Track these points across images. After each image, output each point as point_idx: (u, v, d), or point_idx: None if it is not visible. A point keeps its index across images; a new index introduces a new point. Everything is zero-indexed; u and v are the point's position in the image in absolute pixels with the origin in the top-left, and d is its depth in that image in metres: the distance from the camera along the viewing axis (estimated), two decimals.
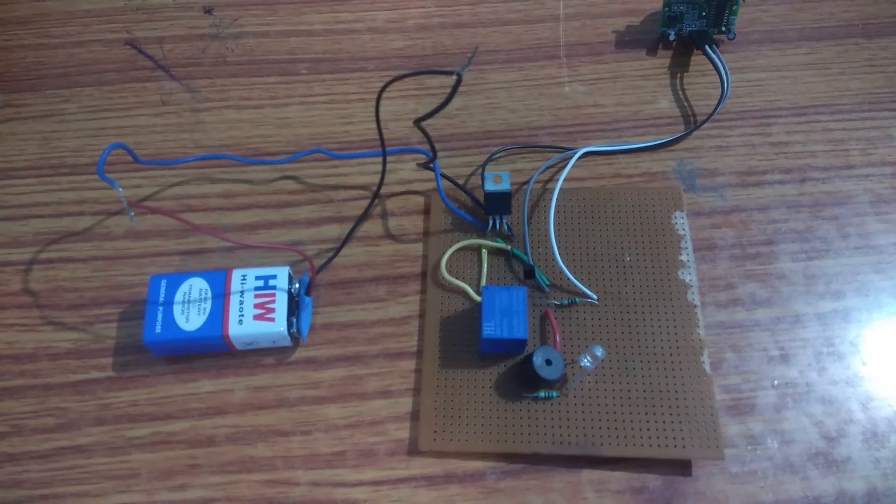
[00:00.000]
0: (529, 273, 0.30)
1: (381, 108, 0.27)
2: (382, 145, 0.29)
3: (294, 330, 0.29)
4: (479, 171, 0.33)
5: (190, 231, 0.31)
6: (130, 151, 0.28)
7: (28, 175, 0.33)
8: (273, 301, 0.28)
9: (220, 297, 0.28)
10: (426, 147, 0.30)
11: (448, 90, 0.24)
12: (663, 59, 0.36)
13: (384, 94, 0.26)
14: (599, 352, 0.28)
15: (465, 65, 0.22)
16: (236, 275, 0.29)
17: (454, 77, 0.23)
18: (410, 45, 0.37)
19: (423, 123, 0.26)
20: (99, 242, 0.32)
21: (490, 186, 0.30)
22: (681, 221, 0.31)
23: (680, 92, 0.35)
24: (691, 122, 0.35)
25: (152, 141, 0.34)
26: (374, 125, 0.28)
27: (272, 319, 0.28)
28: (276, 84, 0.36)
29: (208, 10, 0.38)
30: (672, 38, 0.36)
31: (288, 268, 0.29)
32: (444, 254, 0.30)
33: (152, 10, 0.38)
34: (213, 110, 0.35)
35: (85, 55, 0.37)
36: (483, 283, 0.30)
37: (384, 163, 0.30)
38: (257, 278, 0.29)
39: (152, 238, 0.32)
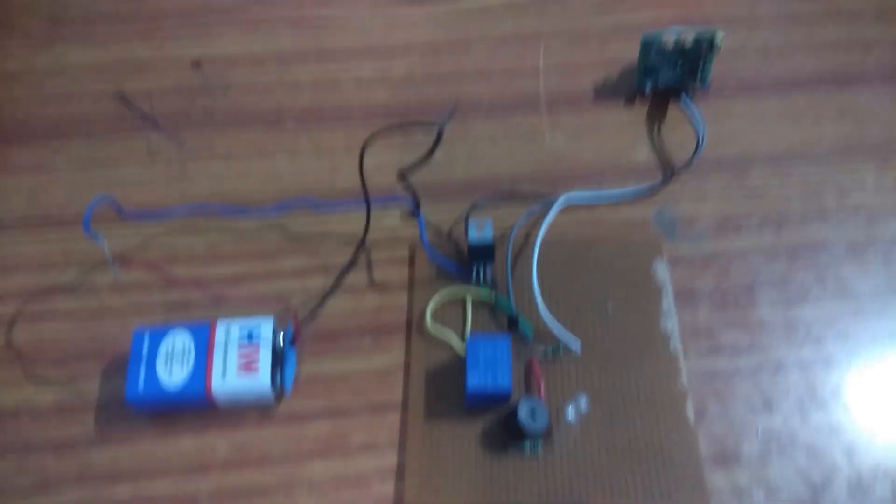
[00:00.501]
0: (513, 322, 0.30)
1: (366, 159, 0.27)
2: (366, 196, 0.29)
3: (278, 383, 0.29)
4: (463, 220, 0.33)
5: (174, 283, 0.31)
6: (115, 205, 0.29)
7: (14, 228, 0.34)
8: (257, 354, 0.28)
9: (204, 350, 0.28)
10: (411, 197, 0.30)
11: (432, 141, 0.24)
12: (641, 110, 0.37)
13: (369, 145, 0.26)
14: (584, 402, 0.28)
15: (447, 118, 0.23)
16: (220, 326, 0.29)
17: (436, 129, 0.23)
18: (395, 97, 0.38)
19: (408, 173, 0.27)
20: (83, 296, 0.32)
21: (473, 236, 0.31)
22: (661, 271, 0.32)
23: (658, 141, 0.36)
24: (669, 171, 0.35)
25: (139, 193, 0.34)
26: (359, 175, 0.28)
27: (256, 373, 0.28)
28: (264, 135, 0.36)
29: (197, 65, 0.38)
30: (648, 89, 0.37)
31: (272, 319, 0.29)
32: (428, 303, 0.31)
33: (142, 64, 0.39)
34: (200, 162, 0.35)
35: (74, 108, 0.37)
36: (468, 332, 0.30)
37: (368, 213, 0.30)
38: (241, 329, 0.29)
39: (137, 291, 0.32)
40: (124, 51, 0.39)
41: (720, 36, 0.35)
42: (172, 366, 0.28)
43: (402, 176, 0.26)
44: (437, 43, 0.40)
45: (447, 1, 0.41)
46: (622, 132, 0.37)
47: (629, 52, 0.39)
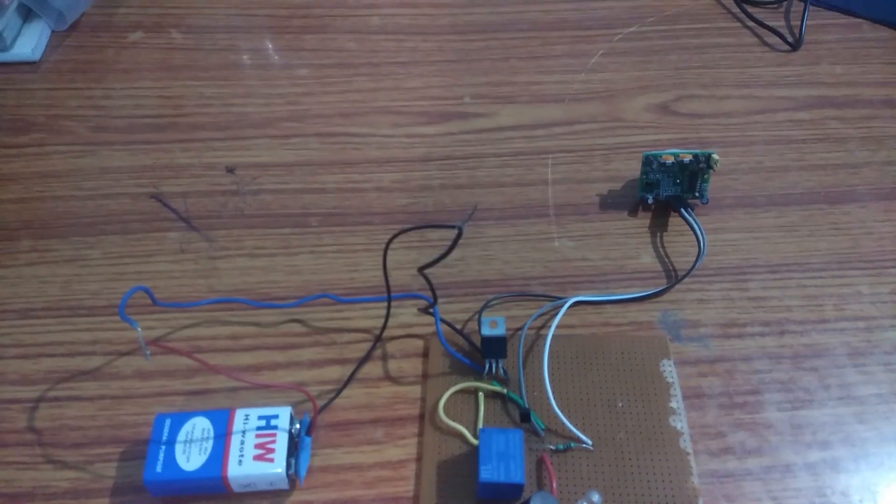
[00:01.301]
0: (525, 417, 0.30)
1: (386, 258, 0.29)
2: (388, 290, 0.31)
3: (292, 471, 0.29)
4: (476, 316, 0.35)
5: (196, 371, 0.32)
6: (150, 294, 0.30)
7: (46, 315, 0.35)
8: (273, 441, 0.29)
9: (222, 436, 0.29)
10: (427, 293, 0.32)
11: (448, 243, 0.26)
12: (644, 220, 0.40)
13: (390, 245, 0.28)
14: (596, 498, 0.28)
15: (466, 219, 0.25)
16: (239, 414, 0.30)
17: (455, 230, 0.25)
18: (413, 202, 0.40)
19: (426, 271, 0.28)
20: (107, 382, 0.33)
21: (486, 331, 0.32)
22: (669, 369, 0.33)
23: (661, 249, 0.38)
24: (673, 277, 0.37)
25: (169, 286, 0.36)
26: (378, 273, 0.30)
27: (271, 460, 0.28)
28: (289, 235, 0.39)
29: (230, 170, 0.41)
30: (650, 201, 0.39)
31: (290, 408, 0.30)
32: (441, 396, 0.31)
33: (178, 168, 0.42)
34: (228, 258, 0.37)
35: (112, 206, 0.40)
36: (480, 425, 0.31)
37: (388, 307, 0.32)
38: (259, 418, 0.30)
39: (159, 378, 0.33)
40: (163, 157, 0.42)
41: (716, 155, 0.38)
42: (191, 451, 0.28)
43: (422, 272, 0.28)
44: (453, 156, 0.43)
45: (463, 121, 0.45)
46: (627, 239, 0.39)
47: (631, 169, 0.42)
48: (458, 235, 0.25)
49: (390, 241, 0.28)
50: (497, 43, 0.50)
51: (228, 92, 0.46)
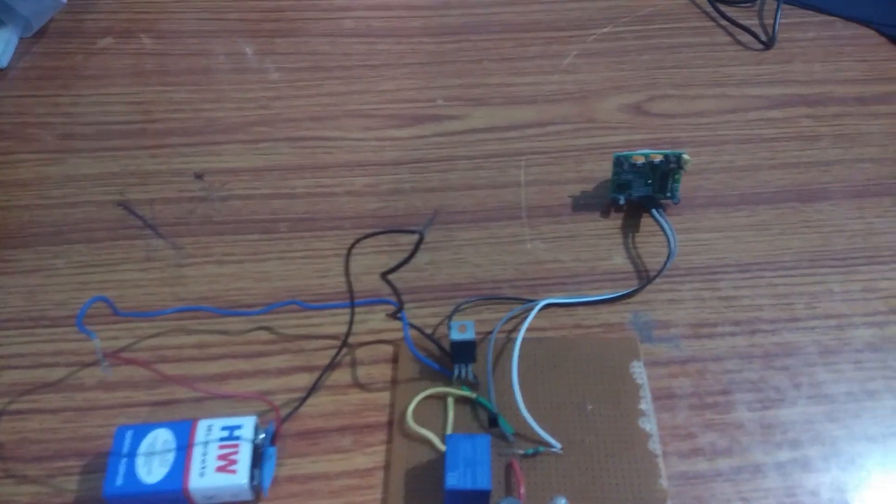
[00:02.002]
0: (494, 421, 0.30)
1: (355, 263, 0.29)
2: (352, 297, 0.30)
3: (256, 482, 0.28)
4: (446, 321, 0.34)
5: (161, 382, 0.32)
6: (110, 304, 0.30)
7: (9, 327, 0.35)
8: (236, 452, 0.28)
9: (184, 448, 0.28)
10: (395, 298, 0.31)
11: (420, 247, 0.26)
12: (615, 221, 0.40)
13: (358, 250, 0.28)
14: (564, 503, 0.28)
15: (427, 224, 0.25)
16: (202, 425, 0.29)
17: (417, 235, 0.25)
18: (384, 206, 0.40)
19: (392, 276, 0.28)
20: (70, 393, 0.32)
21: (456, 336, 0.32)
22: (639, 371, 0.33)
23: (632, 250, 0.38)
24: (644, 277, 0.37)
25: (134, 294, 0.36)
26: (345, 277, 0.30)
27: (234, 472, 0.28)
28: (258, 241, 0.38)
29: (199, 176, 0.41)
30: (622, 202, 0.39)
31: (255, 417, 0.30)
32: (410, 402, 0.31)
33: (146, 175, 0.41)
34: (195, 265, 0.37)
35: (78, 215, 0.39)
36: (448, 431, 0.30)
37: (352, 314, 0.31)
38: (223, 429, 0.29)
39: (123, 389, 0.32)
40: (131, 164, 0.42)
41: (686, 156, 0.38)
42: (152, 463, 0.28)
43: (385, 277, 0.28)
44: (425, 159, 0.42)
45: (435, 124, 0.44)
46: (598, 241, 0.39)
47: (603, 169, 0.42)
48: (420, 240, 0.25)
49: (351, 247, 0.28)
50: (470, 45, 0.50)
51: (199, 97, 0.46)
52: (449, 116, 0.45)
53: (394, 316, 0.34)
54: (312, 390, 0.32)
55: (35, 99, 0.45)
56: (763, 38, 0.51)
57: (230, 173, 0.41)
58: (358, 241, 0.27)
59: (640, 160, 0.38)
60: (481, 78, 0.47)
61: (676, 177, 0.39)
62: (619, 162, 0.39)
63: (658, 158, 0.38)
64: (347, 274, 0.29)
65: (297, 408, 0.31)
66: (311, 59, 0.48)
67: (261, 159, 0.42)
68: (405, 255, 0.28)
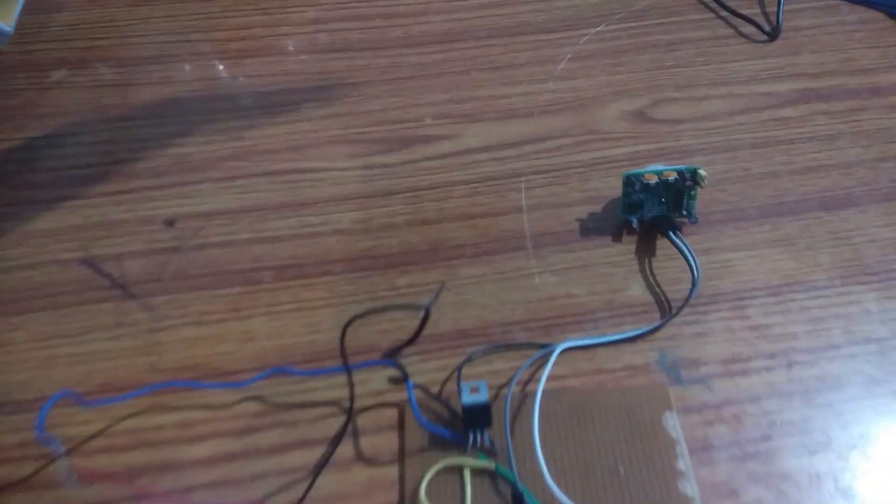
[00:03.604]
0: (519, 499, 0.27)
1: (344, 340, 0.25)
2: (349, 373, 0.27)
3: None
4: (455, 375, 0.31)
5: (143, 471, 0.29)
6: (76, 398, 0.26)
7: None
8: None
9: None
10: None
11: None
12: (629, 245, 0.36)
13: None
14: None
15: (433, 299, 0.21)
16: None
17: (422, 312, 0.22)
18: (377, 244, 0.36)
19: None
20: (40, 493, 0.28)
21: (467, 399, 0.28)
22: (672, 423, 0.30)
23: (651, 277, 0.35)
24: (666, 309, 0.34)
25: (105, 368, 0.32)
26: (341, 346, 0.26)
27: None
28: (240, 295, 0.35)
29: (170, 223, 0.37)
30: (635, 224, 0.36)
31: None
32: (422, 480, 0.28)
33: (111, 225, 0.37)
34: (171, 329, 0.33)
35: (38, 278, 0.35)
36: None
37: (352, 393, 0.28)
38: None
39: (103, 481, 0.29)
40: (94, 214, 0.38)
41: (702, 172, 0.35)
42: None
43: (392, 355, 0.24)
44: (417, 187, 0.39)
45: (425, 146, 0.41)
46: (613, 269, 0.35)
47: (611, 187, 0.38)
48: (426, 317, 0.22)
49: (346, 326, 0.24)
50: (456, 54, 0.46)
51: (165, 131, 0.42)
52: (439, 136, 0.42)
53: (397, 380, 0.31)
54: (317, 475, 0.28)
55: None
56: (767, 28, 0.48)
57: (203, 217, 0.38)
58: (351, 321, 0.24)
59: (653, 179, 0.35)
60: (471, 90, 0.44)
61: (692, 193, 0.36)
62: (629, 181, 0.35)
63: (672, 176, 0.35)
64: (343, 348, 0.26)
65: (304, 495, 0.28)
66: (286, 79, 0.45)
67: (237, 199, 0.38)
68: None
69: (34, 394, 0.31)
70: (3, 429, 0.30)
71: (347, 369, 0.29)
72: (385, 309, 0.26)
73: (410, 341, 0.23)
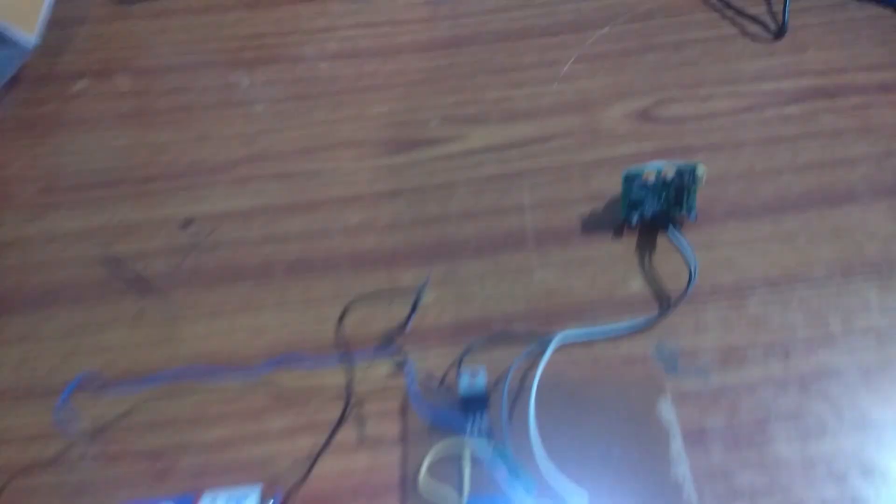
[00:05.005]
0: (514, 478, 0.28)
1: (352, 312, 0.27)
2: (349, 358, 0.28)
3: None
4: (456, 364, 0.32)
5: (162, 451, 0.30)
6: (98, 380, 0.28)
7: (1, 399, 0.33)
8: None
9: None
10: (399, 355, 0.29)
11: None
12: (630, 242, 0.37)
13: (352, 304, 0.26)
14: None
15: (422, 287, 0.23)
16: (206, 498, 0.28)
17: (413, 296, 0.23)
18: (383, 242, 0.38)
19: (393, 335, 0.26)
20: (67, 470, 0.30)
21: (466, 385, 0.29)
22: (667, 410, 0.30)
23: (650, 272, 0.36)
24: (665, 302, 0.34)
25: (125, 358, 0.34)
26: (347, 325, 0.27)
27: None
28: (251, 290, 0.36)
29: (187, 224, 0.39)
30: (635, 222, 0.37)
31: (259, 488, 0.28)
32: (422, 463, 0.29)
33: (131, 227, 0.39)
34: (187, 322, 0.35)
35: (63, 276, 0.37)
36: (466, 489, 0.28)
37: (351, 376, 0.29)
38: (228, 500, 0.28)
39: (124, 460, 0.30)
40: (115, 215, 0.40)
41: (701, 169, 0.35)
42: None
43: (388, 340, 0.26)
44: (423, 187, 0.40)
45: (431, 147, 0.42)
46: (613, 265, 0.36)
47: (613, 186, 0.39)
48: (414, 307, 0.23)
49: (342, 316, 0.26)
50: (462, 59, 0.47)
51: (181, 137, 0.44)
52: (445, 138, 0.43)
53: (400, 368, 0.32)
54: (317, 458, 0.30)
55: (13, 152, 0.43)
56: (773, 27, 0.48)
57: (218, 218, 0.39)
58: (345, 311, 0.25)
59: (652, 177, 0.36)
60: (476, 93, 0.45)
61: (692, 190, 0.36)
62: (629, 179, 0.36)
63: (670, 174, 0.36)
64: (339, 332, 0.27)
65: (305, 475, 0.29)
66: (296, 86, 0.46)
67: (250, 200, 0.40)
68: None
69: (61, 381, 0.33)
70: (30, 412, 0.32)
71: (350, 357, 0.30)
72: (378, 293, 0.27)
73: (404, 325, 0.24)
